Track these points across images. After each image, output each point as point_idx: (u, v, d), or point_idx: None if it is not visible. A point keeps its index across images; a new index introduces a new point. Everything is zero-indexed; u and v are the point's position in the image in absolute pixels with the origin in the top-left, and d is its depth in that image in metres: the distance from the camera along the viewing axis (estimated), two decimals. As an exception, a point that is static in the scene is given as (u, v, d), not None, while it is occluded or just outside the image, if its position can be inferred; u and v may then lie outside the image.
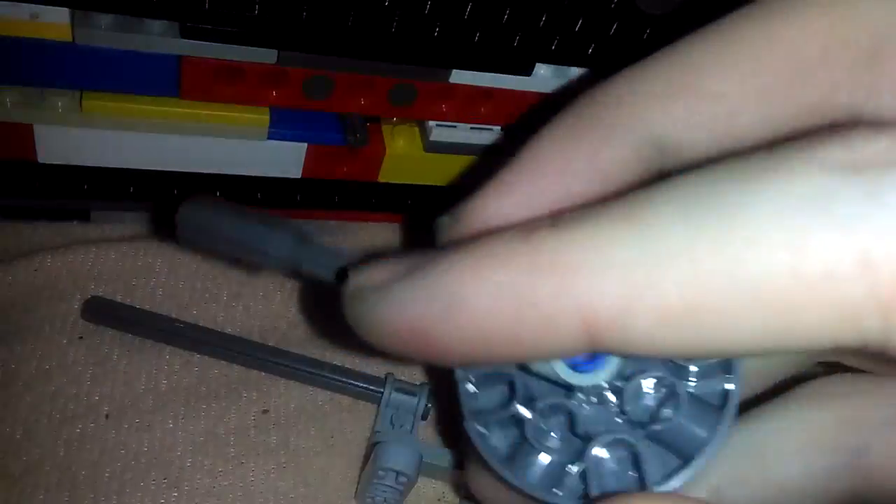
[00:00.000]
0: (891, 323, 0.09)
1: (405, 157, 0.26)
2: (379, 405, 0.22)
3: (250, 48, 0.21)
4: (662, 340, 0.10)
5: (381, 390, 0.22)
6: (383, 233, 0.28)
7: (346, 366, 0.24)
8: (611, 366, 0.13)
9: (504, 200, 0.13)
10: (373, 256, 0.13)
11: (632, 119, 0.12)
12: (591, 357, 0.13)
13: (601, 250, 0.10)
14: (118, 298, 0.23)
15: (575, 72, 0.24)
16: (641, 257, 0.10)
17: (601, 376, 0.13)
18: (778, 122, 0.12)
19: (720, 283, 0.09)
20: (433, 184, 0.27)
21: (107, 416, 0.20)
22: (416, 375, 0.24)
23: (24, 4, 0.19)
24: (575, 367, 0.13)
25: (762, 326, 0.09)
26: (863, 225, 0.09)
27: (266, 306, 0.25)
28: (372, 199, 0.27)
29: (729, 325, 0.10)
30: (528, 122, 0.26)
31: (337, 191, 0.27)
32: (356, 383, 0.23)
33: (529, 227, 0.11)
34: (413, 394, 0.22)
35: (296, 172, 0.26)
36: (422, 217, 0.29)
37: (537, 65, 0.24)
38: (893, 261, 0.09)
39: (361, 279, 0.13)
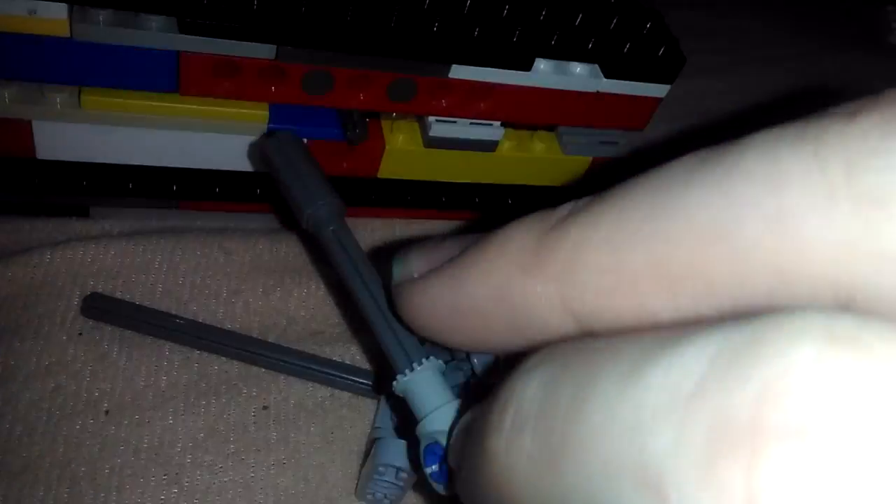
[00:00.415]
0: None
1: (405, 152, 0.26)
2: (378, 401, 0.22)
3: (249, 43, 0.21)
4: None
5: (381, 385, 0.22)
6: (383, 228, 0.28)
7: (346, 361, 0.24)
8: None
9: (444, 290, 0.14)
10: (415, 242, 0.15)
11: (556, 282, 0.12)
12: None
13: None
14: (118, 295, 0.23)
15: (575, 67, 0.24)
16: None
17: None
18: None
19: None
20: (433, 179, 0.27)
21: (106, 413, 0.20)
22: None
23: (21, 0, 0.19)
24: None
25: None
26: None
27: (265, 303, 0.24)
28: (371, 194, 0.27)
29: None
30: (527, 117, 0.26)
31: (336, 186, 0.27)
32: (355, 379, 0.23)
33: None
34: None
35: (295, 168, 0.25)
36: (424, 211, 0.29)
37: (537, 60, 0.24)
38: None
39: (402, 273, 0.15)
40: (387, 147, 0.26)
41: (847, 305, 0.09)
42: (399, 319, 0.15)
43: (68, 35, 0.20)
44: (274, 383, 0.22)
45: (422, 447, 0.15)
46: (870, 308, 0.09)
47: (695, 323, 0.10)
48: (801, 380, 0.08)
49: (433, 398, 0.16)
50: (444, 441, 0.14)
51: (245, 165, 0.25)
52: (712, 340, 0.08)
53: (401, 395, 0.16)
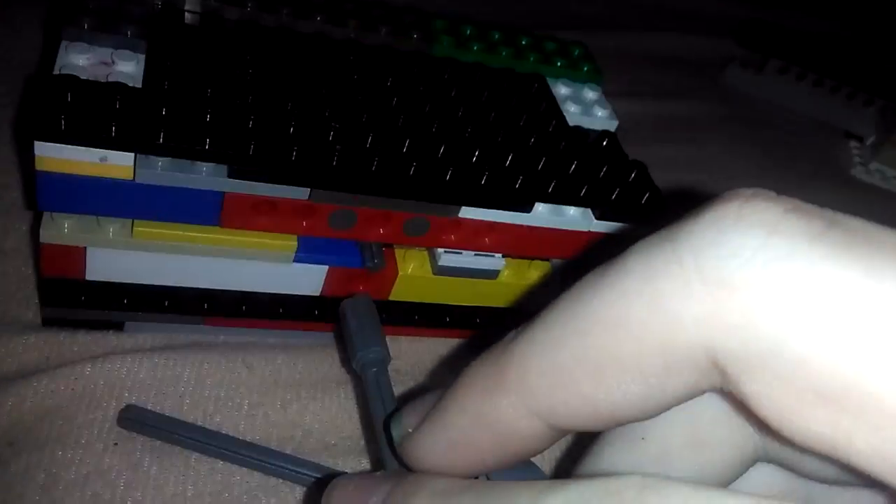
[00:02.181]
0: None
1: (415, 278, 0.29)
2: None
3: (287, 186, 0.24)
4: None
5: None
6: (392, 345, 0.30)
7: (358, 470, 0.25)
8: None
9: (435, 431, 0.16)
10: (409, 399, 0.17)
11: (521, 405, 0.15)
12: None
13: None
14: (150, 406, 0.25)
15: (569, 209, 0.28)
16: None
17: None
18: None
19: None
20: (439, 302, 0.30)
21: (138, 520, 0.22)
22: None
23: (95, 150, 0.22)
24: None
25: None
26: None
27: (284, 416, 0.26)
28: (383, 314, 0.30)
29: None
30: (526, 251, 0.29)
31: (351, 307, 0.29)
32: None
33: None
34: None
35: (316, 290, 0.28)
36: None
37: (536, 203, 0.27)
38: None
39: (400, 432, 0.17)
40: (399, 273, 0.28)
41: (723, 370, 0.12)
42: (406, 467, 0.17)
43: (132, 178, 0.23)
44: (291, 494, 0.24)
45: None
46: (739, 370, 0.12)
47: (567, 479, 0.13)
48: None
49: None
50: None
51: (271, 287, 0.28)
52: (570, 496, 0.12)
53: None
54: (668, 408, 0.13)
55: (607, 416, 0.14)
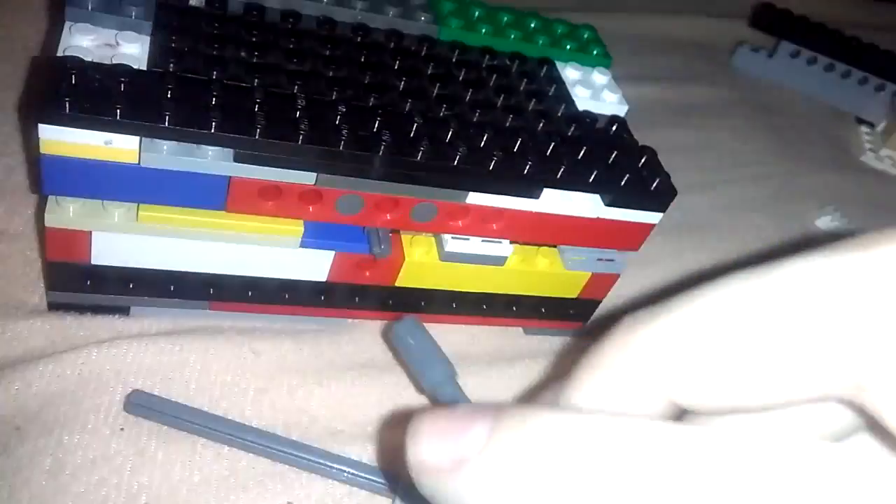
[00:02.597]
0: None
1: (422, 264, 0.28)
2: (393, 500, 0.24)
3: (293, 171, 0.24)
4: None
5: (395, 485, 0.24)
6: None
7: (364, 460, 0.25)
8: None
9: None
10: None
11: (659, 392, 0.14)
12: None
13: None
14: (156, 391, 0.25)
15: (577, 196, 0.27)
16: None
17: None
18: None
19: None
20: (446, 288, 0.30)
21: (145, 505, 0.22)
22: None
23: (99, 133, 0.22)
24: None
25: None
26: None
27: (290, 401, 0.26)
28: (389, 300, 0.30)
29: None
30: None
31: (357, 293, 0.29)
32: (371, 478, 0.24)
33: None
34: None
35: (322, 276, 0.28)
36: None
37: (544, 190, 0.27)
38: None
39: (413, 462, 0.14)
40: (406, 260, 0.28)
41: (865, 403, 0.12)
42: None
43: (137, 162, 0.23)
44: (297, 480, 0.24)
45: None
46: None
47: None
48: None
49: None
50: None
51: (277, 272, 0.27)
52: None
53: None
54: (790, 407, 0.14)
55: (738, 408, 0.14)
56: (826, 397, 0.13)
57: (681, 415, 0.14)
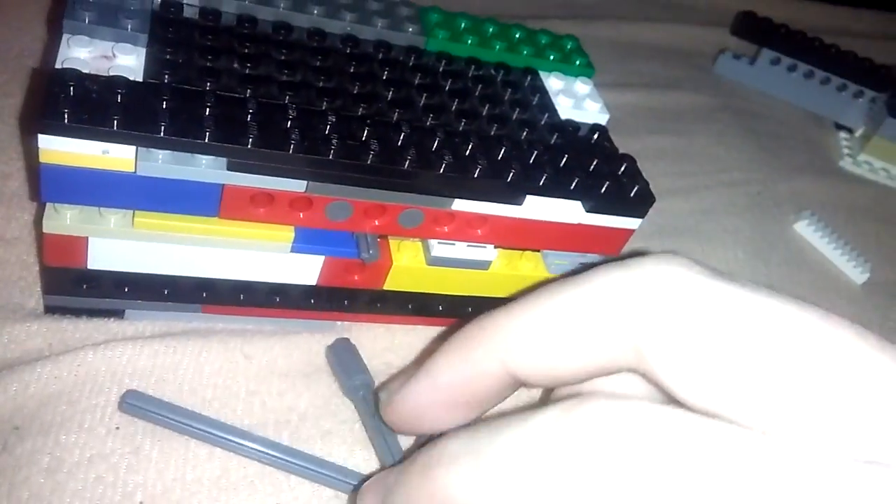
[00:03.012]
0: None
1: (409, 269, 0.29)
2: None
3: (285, 179, 0.25)
4: None
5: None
6: (385, 334, 0.31)
7: (352, 460, 0.26)
8: None
9: (419, 397, 0.21)
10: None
11: (496, 356, 0.19)
12: None
13: None
14: (150, 391, 0.26)
15: (560, 202, 0.28)
16: None
17: None
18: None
19: None
20: (433, 292, 0.31)
21: None
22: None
23: (97, 143, 0.23)
24: None
25: None
26: None
27: (280, 402, 0.27)
28: (377, 303, 0.31)
29: None
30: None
31: (346, 296, 0.30)
32: (358, 485, 0.25)
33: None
34: None
35: (312, 280, 0.29)
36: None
37: (527, 196, 0.28)
38: None
39: (385, 393, 0.23)
40: (394, 264, 0.29)
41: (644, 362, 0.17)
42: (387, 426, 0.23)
43: (133, 171, 0.23)
44: (286, 482, 0.25)
45: None
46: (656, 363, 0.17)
47: None
48: None
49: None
50: None
51: (268, 276, 0.28)
52: (551, 412, 0.16)
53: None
54: (594, 377, 0.18)
55: (555, 376, 0.19)
56: (617, 365, 0.17)
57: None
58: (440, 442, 0.17)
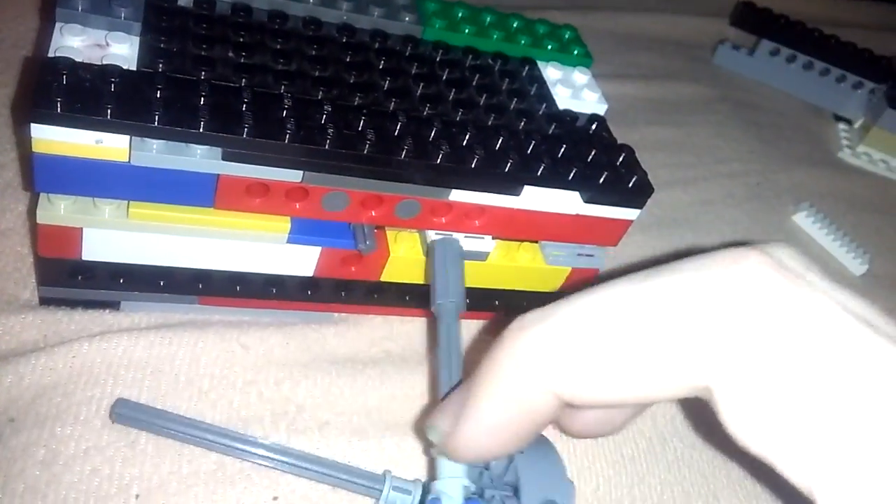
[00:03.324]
0: None
1: (406, 260, 0.29)
2: (378, 500, 0.24)
3: (280, 169, 0.25)
4: None
5: (380, 488, 0.24)
6: (383, 324, 0.31)
7: (350, 451, 0.26)
8: None
9: (469, 442, 0.19)
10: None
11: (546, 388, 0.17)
12: None
13: None
14: (146, 384, 0.25)
15: (557, 193, 0.28)
16: None
17: None
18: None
19: None
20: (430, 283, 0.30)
21: (136, 497, 0.23)
22: (412, 473, 0.26)
23: (90, 132, 0.22)
24: None
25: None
26: None
27: (277, 392, 0.27)
28: (374, 294, 0.30)
29: None
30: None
31: (343, 287, 0.30)
32: (356, 481, 0.24)
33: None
34: (408, 491, 0.24)
35: (309, 271, 0.29)
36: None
37: (525, 187, 0.27)
38: None
39: (439, 437, 0.20)
40: (390, 255, 0.29)
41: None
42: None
43: (127, 161, 0.23)
44: (283, 476, 0.25)
45: (428, 498, 0.22)
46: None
47: None
48: None
49: (452, 468, 0.21)
50: (444, 501, 0.21)
51: (264, 267, 0.28)
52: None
53: (433, 455, 0.22)
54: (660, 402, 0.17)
55: (613, 401, 0.17)
56: (681, 396, 0.16)
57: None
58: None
